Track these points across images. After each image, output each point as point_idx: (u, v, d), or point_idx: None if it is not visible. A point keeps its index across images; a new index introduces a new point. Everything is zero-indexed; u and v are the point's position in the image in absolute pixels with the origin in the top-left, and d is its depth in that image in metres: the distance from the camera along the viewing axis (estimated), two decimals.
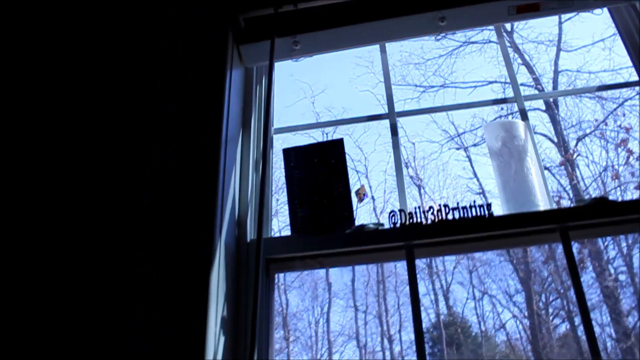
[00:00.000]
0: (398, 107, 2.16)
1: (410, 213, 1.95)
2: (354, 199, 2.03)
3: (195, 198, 1.75)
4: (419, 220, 1.92)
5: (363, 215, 2.65)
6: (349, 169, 2.06)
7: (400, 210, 1.97)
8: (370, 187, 2.87)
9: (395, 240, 1.92)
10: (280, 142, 2.26)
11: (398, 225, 1.94)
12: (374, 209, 2.91)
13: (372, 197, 2.85)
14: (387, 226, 1.95)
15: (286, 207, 2.07)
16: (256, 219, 1.98)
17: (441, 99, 3.01)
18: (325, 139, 2.12)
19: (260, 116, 2.19)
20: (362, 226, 2.00)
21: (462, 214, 1.88)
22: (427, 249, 1.92)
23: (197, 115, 1.87)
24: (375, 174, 2.97)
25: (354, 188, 2.06)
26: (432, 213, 1.92)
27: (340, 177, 2.04)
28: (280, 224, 2.66)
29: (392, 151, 2.09)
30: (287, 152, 2.11)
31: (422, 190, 2.92)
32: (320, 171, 2.06)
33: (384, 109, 2.22)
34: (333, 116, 3.04)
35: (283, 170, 2.09)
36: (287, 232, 2.05)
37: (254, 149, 2.15)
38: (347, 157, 2.06)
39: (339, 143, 2.10)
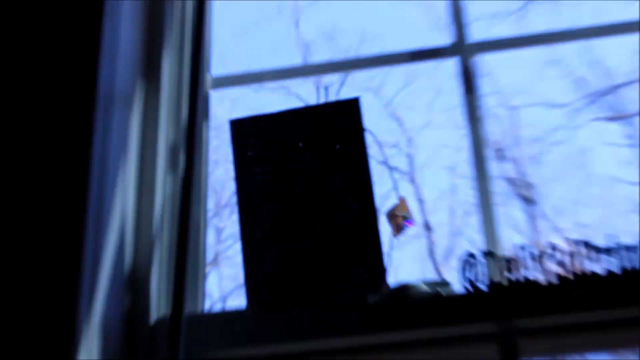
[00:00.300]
0: (476, 34, 2.18)
1: (508, 260, 1.78)
2: (385, 226, 1.84)
3: (34, 224, 1.72)
4: (527, 274, 1.81)
5: (404, 260, 2.13)
6: (373, 162, 1.91)
7: (487, 254, 1.79)
8: (420, 201, 2.40)
9: (478, 319, 1.77)
10: (227, 106, 2.33)
11: (483, 286, 1.80)
12: (429, 248, 2.43)
13: (426, 224, 2.37)
14: (457, 288, 1.84)
15: (236, 246, 2.16)
16: (172, 271, 1.92)
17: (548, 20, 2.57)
18: (322, 99, 2.11)
19: (183, 52, 2.18)
20: (405, 288, 1.78)
21: (622, 263, 1.80)
22: (546, 342, 1.79)
23: (49, 60, 1.90)
24: (430, 174, 2.50)
25: (384, 204, 1.90)
26: (557, 258, 1.80)
27: (354, 180, 1.85)
28: (224, 284, 2.38)
29: (463, 124, 2.06)
30: (239, 128, 1.97)
31: (530, 208, 2.56)
32: (311, 168, 1.88)
33: (443, 38, 2.24)
34: (338, 51, 2.67)
35: (229, 165, 1.97)
36: (239, 301, 2.01)
37: (170, 120, 2.08)
38: (369, 137, 1.89)
39: (352, 106, 1.91)
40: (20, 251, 1.68)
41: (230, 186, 2.26)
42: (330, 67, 2.23)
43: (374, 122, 1.97)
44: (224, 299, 2.26)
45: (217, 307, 2.08)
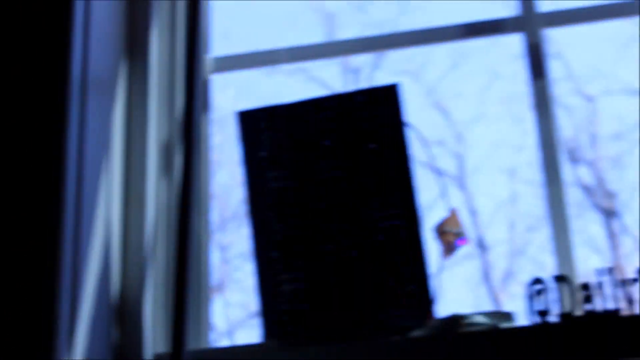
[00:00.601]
0: (546, 4, 2.25)
1: (585, 286, 1.81)
2: (432, 245, 1.99)
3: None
4: (609, 305, 1.81)
5: (453, 286, 2.25)
6: (416, 163, 1.96)
7: (559, 279, 1.83)
8: (472, 213, 2.40)
9: (548, 359, 1.79)
10: (231, 94, 2.36)
11: (554, 319, 1.82)
12: (484, 271, 2.41)
13: (480, 241, 2.38)
14: (521, 321, 1.87)
15: (245, 267, 2.21)
16: (169, 298, 1.98)
17: None
18: (351, 86, 2.14)
19: (175, 27, 2.25)
20: (456, 320, 1.83)
21: None
22: None
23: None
24: (484, 179, 2.48)
25: (429, 217, 2.03)
26: None
27: (393, 187, 1.92)
28: (231, 313, 2.38)
29: (528, 116, 2.16)
30: (249, 121, 2.03)
31: (611, 222, 2.62)
32: (338, 172, 1.94)
33: (505, 9, 2.31)
34: (369, 25, 2.59)
35: (236, 167, 2.13)
36: (249, 335, 2.11)
37: (161, 111, 2.15)
38: (410, 132, 1.95)
39: (389, 95, 1.97)
40: None
41: (238, 193, 2.26)
42: (361, 45, 2.25)
43: (414, 114, 2.00)
44: (231, 331, 2.25)
45: (224, 342, 2.10)
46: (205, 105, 2.20)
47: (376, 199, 1.90)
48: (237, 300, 2.44)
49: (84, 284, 1.76)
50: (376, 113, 1.95)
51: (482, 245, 2.38)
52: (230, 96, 2.33)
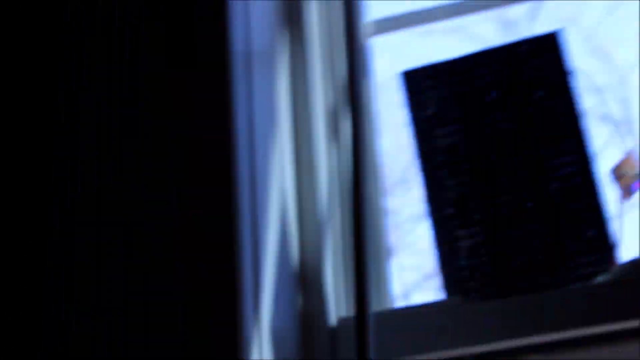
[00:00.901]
0: None
1: None
2: (609, 189, 1.89)
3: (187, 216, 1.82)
4: None
5: (633, 231, 2.09)
6: (584, 110, 1.93)
7: None
8: None
9: None
10: (387, 58, 2.37)
11: None
12: None
13: None
14: None
15: (416, 230, 2.21)
16: (348, 264, 2.01)
17: None
18: (509, 39, 2.04)
19: None
20: (637, 262, 1.79)
21: None
22: None
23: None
24: None
25: (602, 163, 1.98)
26: None
27: (564, 135, 1.91)
28: (407, 275, 2.38)
29: None
30: (414, 80, 2.04)
31: None
32: (507, 125, 1.95)
33: None
34: None
35: (396, 131, 2.16)
36: (427, 293, 2.13)
37: (324, 78, 2.17)
38: (576, 79, 1.93)
39: (550, 43, 1.97)
40: (168, 253, 1.77)
41: (402, 158, 2.26)
42: None
43: (575, 62, 1.97)
44: (407, 295, 2.26)
45: (401, 304, 2.11)
46: (366, 70, 2.21)
47: (548, 147, 1.89)
48: (411, 263, 2.45)
49: (264, 255, 1.80)
50: (540, 62, 1.94)
51: None
52: (389, 60, 2.31)
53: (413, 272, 2.36)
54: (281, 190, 1.91)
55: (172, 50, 1.93)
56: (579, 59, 2.22)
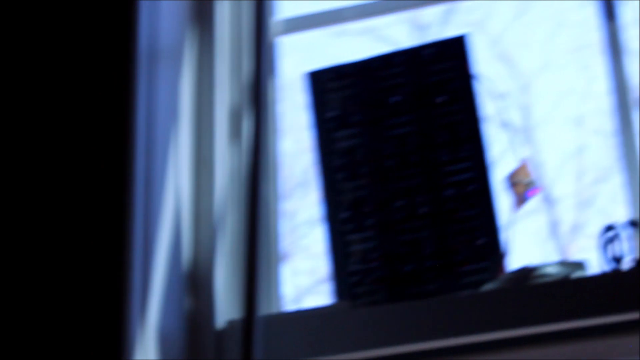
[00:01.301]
0: None
1: None
2: (503, 197, 1.93)
3: (68, 212, 1.80)
4: None
5: (521, 239, 2.17)
6: (485, 116, 1.95)
7: (633, 224, 1.85)
8: (539, 165, 2.27)
9: (623, 307, 1.78)
10: (296, 59, 2.38)
11: (628, 266, 1.81)
12: (552, 224, 2.37)
13: (547, 194, 2.32)
14: (595, 269, 1.86)
15: (312, 233, 2.23)
16: (239, 265, 2.02)
17: None
18: (419, 41, 2.07)
19: None
20: (527, 272, 1.84)
21: None
22: None
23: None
24: (551, 130, 2.45)
25: (499, 170, 1.96)
26: None
27: (463, 141, 1.94)
28: (301, 279, 2.45)
29: (594, 64, 2.14)
30: (318, 82, 2.06)
31: None
32: (408, 128, 1.97)
33: None
34: None
35: (300, 133, 2.16)
36: (320, 297, 2.15)
37: (230, 77, 2.18)
38: (478, 84, 1.96)
39: (456, 47, 2.00)
40: (53, 248, 1.75)
41: (304, 160, 2.27)
42: None
43: (480, 67, 2.00)
44: (299, 299, 2.27)
45: (293, 308, 2.12)
46: (273, 69, 2.24)
47: (446, 152, 1.91)
48: (305, 267, 2.46)
49: (155, 254, 1.79)
50: (444, 66, 1.96)
51: (549, 198, 2.39)
52: (298, 60, 2.34)
53: (307, 276, 2.38)
54: (177, 189, 1.91)
55: (74, 42, 1.92)
56: (484, 64, 2.26)
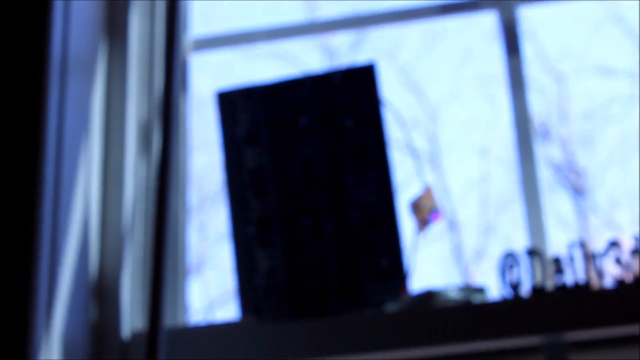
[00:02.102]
0: None
1: (557, 260, 1.84)
2: (407, 221, 1.93)
3: None
4: (579, 278, 1.83)
5: (426, 263, 2.18)
6: (391, 142, 1.97)
7: (531, 253, 1.85)
8: (444, 192, 2.46)
9: (520, 331, 1.82)
10: (209, 76, 2.39)
11: (525, 292, 1.84)
12: (456, 248, 2.52)
13: (452, 219, 2.45)
14: (493, 295, 1.88)
15: (222, 247, 2.26)
16: (146, 276, 2.00)
17: None
18: (330, 66, 2.06)
19: (155, 6, 2.26)
20: (429, 295, 1.84)
21: None
22: (600, 358, 1.86)
23: None
24: (457, 158, 2.52)
25: (404, 195, 1.97)
26: (614, 259, 1.85)
27: (369, 165, 1.95)
28: (210, 291, 2.52)
29: (498, 95, 2.17)
30: (227, 101, 2.05)
31: (581, 200, 2.70)
32: (315, 150, 1.97)
33: None
34: (348, 5, 2.60)
35: (214, 148, 2.11)
36: (229, 309, 2.16)
37: (140, 91, 2.15)
38: (387, 111, 1.96)
39: (365, 74, 2.00)
40: None
41: (215, 176, 2.31)
42: (337, 24, 2.26)
43: (389, 94, 2.01)
44: (208, 310, 2.26)
45: (202, 320, 2.09)
46: (184, 85, 2.22)
47: (352, 175, 1.91)
48: (214, 280, 2.45)
49: (62, 262, 1.76)
50: (353, 92, 1.96)
51: (453, 224, 2.43)
52: (208, 79, 2.33)
53: (216, 289, 2.37)
54: (86, 199, 1.88)
55: None
56: (393, 91, 2.29)
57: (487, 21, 2.22)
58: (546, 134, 2.33)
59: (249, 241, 1.90)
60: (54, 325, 1.71)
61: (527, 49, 2.14)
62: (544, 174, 2.09)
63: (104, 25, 2.09)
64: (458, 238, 2.40)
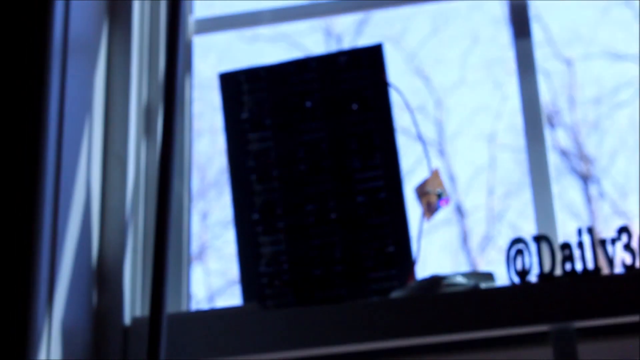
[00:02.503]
0: None
1: (565, 245, 1.83)
2: (414, 206, 1.93)
3: None
4: (588, 264, 1.82)
5: (433, 249, 2.18)
6: (398, 126, 1.97)
7: (539, 239, 1.85)
8: (451, 178, 2.44)
9: (528, 319, 1.81)
10: (212, 60, 2.39)
11: (533, 278, 1.85)
12: (462, 235, 2.47)
13: (459, 206, 2.42)
14: (502, 281, 1.88)
15: (225, 235, 2.26)
16: (148, 262, 2.00)
17: None
18: (335, 48, 2.08)
19: None
20: (436, 280, 1.84)
21: None
22: (609, 345, 1.84)
23: None
24: (464, 144, 2.50)
25: (411, 179, 1.97)
26: (623, 245, 1.84)
27: (376, 149, 1.95)
28: (213, 279, 2.46)
29: (505, 81, 2.18)
30: (231, 83, 2.05)
31: (589, 186, 2.56)
32: (321, 134, 1.97)
33: None
34: None
35: (216, 134, 2.21)
36: (232, 298, 2.16)
37: (143, 73, 2.14)
38: (394, 94, 1.96)
39: (372, 56, 2.00)
40: None
41: (218, 161, 2.29)
42: (343, 6, 2.25)
43: (395, 80, 2.00)
44: (210, 298, 2.26)
45: (203, 307, 2.09)
46: (188, 68, 2.22)
47: (358, 160, 1.91)
48: (217, 268, 2.44)
49: (63, 248, 1.76)
50: (359, 74, 1.96)
51: (461, 210, 2.42)
52: (211, 62, 2.32)
53: (218, 277, 2.36)
54: (88, 183, 1.88)
55: None
56: (400, 77, 2.28)
57: (495, 4, 2.19)
58: (554, 120, 2.32)
59: (252, 227, 1.90)
60: (55, 311, 1.71)
61: (535, 33, 2.13)
62: (553, 160, 2.09)
63: (106, 7, 2.09)
64: (465, 224, 2.38)
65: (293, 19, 2.28)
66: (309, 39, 2.45)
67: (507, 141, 2.25)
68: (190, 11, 2.25)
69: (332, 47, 2.44)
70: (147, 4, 2.17)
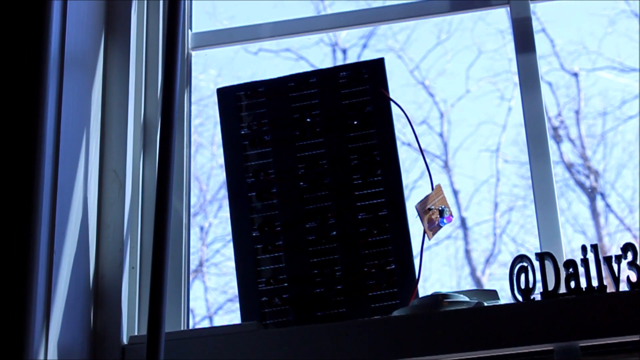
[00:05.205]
0: None
1: (570, 262, 1.82)
2: (415, 223, 1.91)
3: None
4: (592, 281, 1.82)
5: (434, 266, 2.24)
6: (399, 141, 1.96)
7: (541, 255, 1.85)
8: (454, 193, 2.44)
9: (532, 338, 1.79)
10: (212, 75, 2.40)
11: (537, 295, 1.83)
12: (465, 251, 2.45)
13: (462, 221, 2.42)
14: (505, 299, 1.88)
15: (224, 251, 2.25)
16: (147, 281, 1.98)
17: None
18: (335, 62, 2.22)
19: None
20: (438, 299, 1.83)
21: None
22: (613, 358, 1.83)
23: None
24: (467, 158, 2.49)
25: (413, 195, 2.01)
26: (630, 262, 1.82)
27: (377, 165, 1.94)
28: (211, 295, 2.48)
29: (510, 94, 2.20)
30: (229, 98, 2.07)
31: (594, 201, 2.54)
32: (321, 150, 1.97)
33: None
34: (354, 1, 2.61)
35: (216, 148, 2.20)
36: (231, 317, 2.17)
37: (141, 90, 2.14)
38: (395, 109, 1.95)
39: (373, 70, 2.00)
40: None
41: (217, 176, 2.30)
42: (346, 19, 2.24)
43: (398, 93, 1.99)
44: (209, 316, 2.25)
45: (202, 325, 2.09)
46: (187, 82, 2.21)
47: (359, 176, 1.90)
48: (216, 284, 2.44)
49: (60, 264, 1.75)
50: (360, 89, 1.95)
51: (463, 225, 2.40)
52: (211, 76, 2.31)
53: (218, 294, 2.35)
54: (84, 200, 1.87)
55: None
56: (403, 90, 2.26)
57: (498, 17, 2.19)
58: (560, 133, 2.31)
59: (252, 244, 1.89)
60: (51, 330, 1.70)
61: (540, 45, 2.13)
62: (558, 174, 2.07)
63: (103, 20, 2.08)
64: (468, 240, 2.37)
65: (295, 33, 2.27)
66: (312, 53, 2.45)
67: (511, 155, 2.24)
68: (189, 25, 2.25)
69: (336, 61, 2.45)
70: (145, 18, 2.18)
